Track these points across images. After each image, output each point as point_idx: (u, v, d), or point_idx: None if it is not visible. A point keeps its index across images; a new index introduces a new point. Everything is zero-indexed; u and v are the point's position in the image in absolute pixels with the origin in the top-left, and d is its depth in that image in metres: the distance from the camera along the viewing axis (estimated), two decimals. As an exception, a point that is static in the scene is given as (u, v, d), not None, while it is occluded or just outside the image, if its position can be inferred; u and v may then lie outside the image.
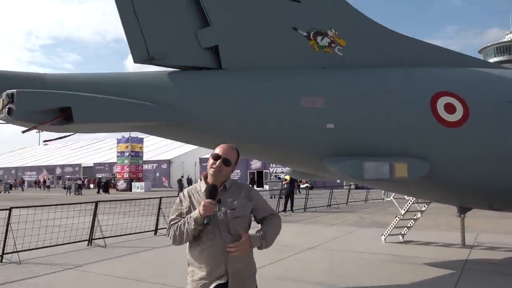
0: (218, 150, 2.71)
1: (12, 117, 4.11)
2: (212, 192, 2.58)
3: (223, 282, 2.54)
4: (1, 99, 4.23)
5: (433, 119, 5.61)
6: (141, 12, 5.00)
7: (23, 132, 4.53)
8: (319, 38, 5.76)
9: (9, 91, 4.12)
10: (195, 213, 2.56)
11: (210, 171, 2.67)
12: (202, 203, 2.53)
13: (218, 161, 2.66)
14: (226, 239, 2.57)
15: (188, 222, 2.57)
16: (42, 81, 4.69)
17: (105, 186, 43.52)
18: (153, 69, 5.40)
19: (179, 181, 37.40)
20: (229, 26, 5.34)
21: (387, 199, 10.37)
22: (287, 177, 19.19)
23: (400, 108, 5.65)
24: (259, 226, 2.82)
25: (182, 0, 5.24)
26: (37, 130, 4.73)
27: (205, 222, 2.52)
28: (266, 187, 35.25)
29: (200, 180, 2.94)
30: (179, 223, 2.62)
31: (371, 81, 5.80)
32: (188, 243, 2.68)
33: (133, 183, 46.96)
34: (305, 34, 5.67)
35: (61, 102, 4.31)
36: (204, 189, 2.67)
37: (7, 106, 4.12)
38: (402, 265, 7.04)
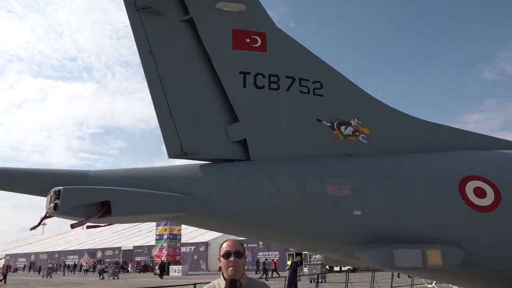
0: (226, 248, 2.88)
1: (58, 212, 4.51)
2: (232, 286, 2.70)
3: None
4: (49, 196, 4.69)
5: (463, 204, 5.55)
6: (176, 112, 5.55)
7: (72, 227, 4.90)
8: (342, 128, 6.05)
9: (57, 188, 4.58)
10: None
11: (229, 271, 2.79)
12: None
13: (231, 257, 2.81)
14: None
15: None
16: (86, 177, 5.18)
17: (162, 269, 41.89)
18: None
19: (263, 263, 40.50)
20: (256, 121, 5.77)
21: (429, 286, 9.84)
22: (289, 262, 18.47)
23: (428, 193, 5.66)
24: None
25: (213, 100, 5.78)
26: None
27: None
28: (305, 270, 33.90)
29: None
30: None
31: (397, 167, 5.91)
32: None
33: (170, 266, 46.51)
34: (329, 124, 5.99)
35: (101, 197, 4.70)
36: (223, 286, 2.77)
37: (54, 202, 4.55)
38: None
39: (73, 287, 24.35)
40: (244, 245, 3.13)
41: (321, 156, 5.83)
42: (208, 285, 2.96)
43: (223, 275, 2.87)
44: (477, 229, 5.51)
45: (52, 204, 4.58)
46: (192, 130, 5.58)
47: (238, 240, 3.02)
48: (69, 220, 4.80)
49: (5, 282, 35.48)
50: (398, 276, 21.55)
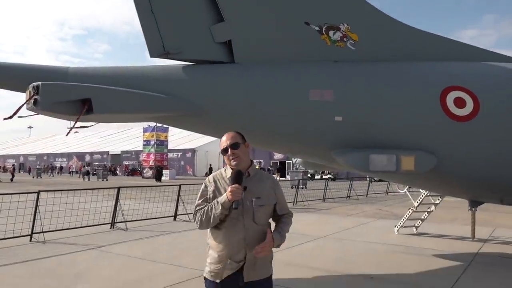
0: (222, 145, 2.78)
1: (38, 107, 4.47)
2: (237, 177, 2.63)
3: (241, 266, 2.65)
4: (28, 91, 4.60)
5: (442, 113, 5.68)
6: (158, 9, 5.28)
7: (67, 134, 4.87)
8: (331, 33, 5.89)
9: (35, 83, 4.48)
10: (222, 198, 2.61)
11: (232, 164, 2.73)
12: (229, 188, 2.58)
13: (228, 151, 2.72)
14: (249, 227, 2.66)
15: (215, 207, 2.62)
16: (65, 74, 5.05)
17: (158, 174, 40.80)
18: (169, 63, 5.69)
19: (268, 170, 41.68)
20: (242, 21, 5.55)
21: (401, 191, 10.46)
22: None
23: (409, 102, 5.74)
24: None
25: (197, -3, 5.47)
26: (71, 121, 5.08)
27: (233, 207, 2.58)
28: (288, 177, 35.47)
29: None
30: (206, 208, 2.68)
31: (381, 75, 5.91)
32: None
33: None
34: (317, 28, 5.81)
35: (82, 93, 4.64)
36: (229, 175, 2.72)
37: (33, 98, 4.49)
38: (410, 255, 7.16)
39: (64, 186, 25.24)
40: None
41: (307, 61, 5.75)
42: (215, 172, 2.90)
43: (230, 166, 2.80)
44: (452, 137, 5.71)
45: (32, 100, 4.52)
46: (174, 29, 5.36)
47: (235, 131, 2.85)
48: (54, 126, 4.78)
49: (11, 180, 37.85)
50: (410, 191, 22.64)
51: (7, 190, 13.63)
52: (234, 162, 2.72)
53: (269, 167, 30.72)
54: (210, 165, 47.04)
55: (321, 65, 5.76)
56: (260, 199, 2.71)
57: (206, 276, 2.77)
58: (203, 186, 2.85)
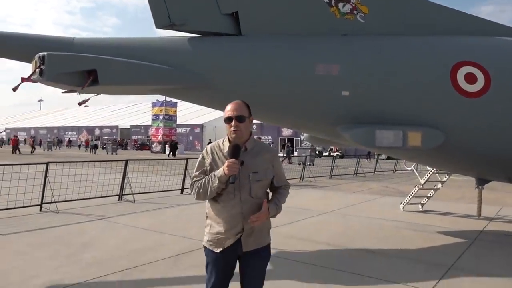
0: (228, 112, 2.70)
1: (44, 77, 4.47)
2: (235, 151, 2.61)
3: (238, 237, 2.68)
4: (34, 61, 4.60)
5: (452, 89, 5.58)
6: (163, -22, 5.17)
7: (63, 92, 4.92)
8: (340, 5, 5.75)
9: (41, 54, 4.47)
10: (219, 172, 2.60)
11: (232, 136, 2.70)
12: (226, 163, 2.57)
13: (233, 121, 2.66)
14: (246, 201, 2.67)
15: (212, 180, 2.63)
16: (71, 44, 5.03)
17: (173, 148, 39.02)
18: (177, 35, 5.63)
19: (287, 146, 40.87)
20: (249, -8, 5.43)
21: (408, 168, 10.42)
22: None
23: (418, 77, 5.64)
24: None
25: (203, -34, 5.36)
26: (77, 92, 5.12)
27: (230, 181, 2.58)
28: (296, 153, 35.46)
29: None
30: (203, 180, 2.69)
31: (390, 49, 5.79)
32: None
33: (166, 145, 48.15)
34: (326, 0, 5.68)
35: (88, 64, 4.63)
36: (227, 148, 2.71)
37: (39, 68, 4.49)
38: (414, 232, 7.19)
39: (73, 159, 25.57)
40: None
41: (315, 34, 5.65)
42: (212, 143, 2.88)
43: (228, 137, 2.78)
44: (460, 114, 5.63)
45: (37, 70, 4.53)
46: (180, 0, 5.28)
47: (243, 101, 2.78)
48: (64, 99, 4.79)
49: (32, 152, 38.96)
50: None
51: (18, 161, 13.82)
52: (234, 135, 2.70)
53: (288, 144, 30.97)
54: (210, 140, 47.48)
55: (329, 38, 5.66)
56: (257, 174, 2.70)
57: (205, 245, 2.80)
58: (200, 157, 2.83)
